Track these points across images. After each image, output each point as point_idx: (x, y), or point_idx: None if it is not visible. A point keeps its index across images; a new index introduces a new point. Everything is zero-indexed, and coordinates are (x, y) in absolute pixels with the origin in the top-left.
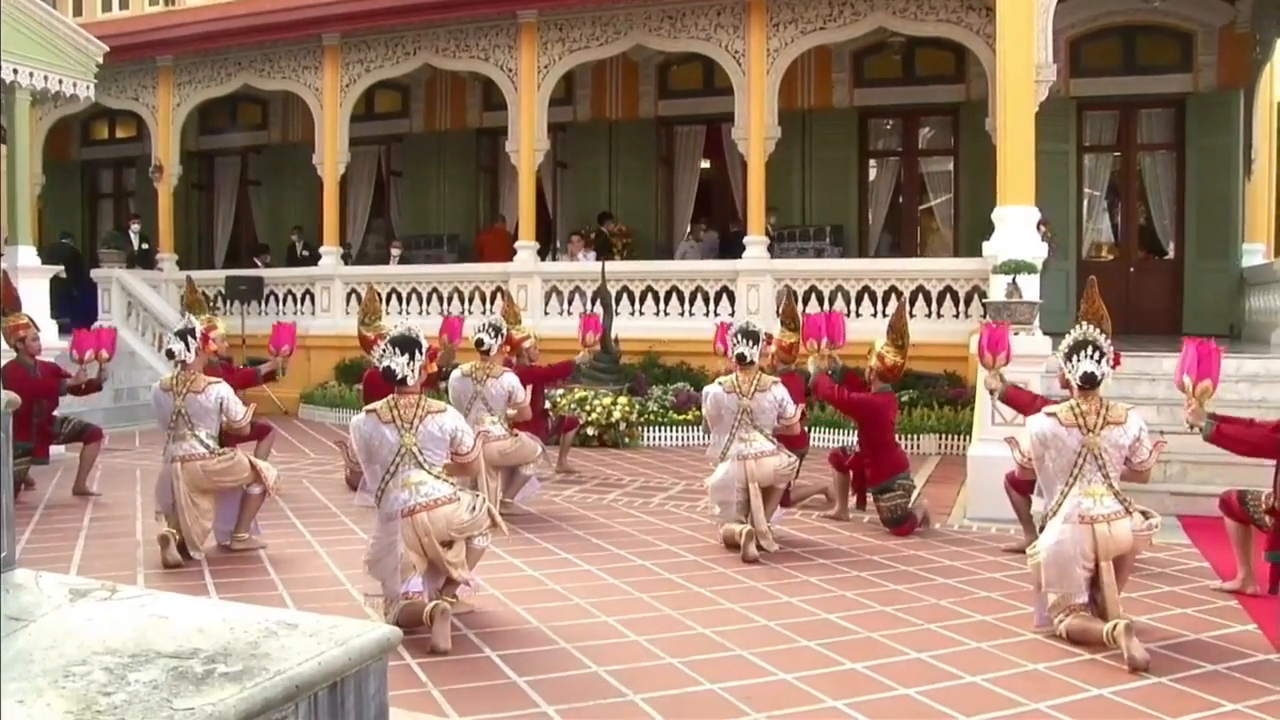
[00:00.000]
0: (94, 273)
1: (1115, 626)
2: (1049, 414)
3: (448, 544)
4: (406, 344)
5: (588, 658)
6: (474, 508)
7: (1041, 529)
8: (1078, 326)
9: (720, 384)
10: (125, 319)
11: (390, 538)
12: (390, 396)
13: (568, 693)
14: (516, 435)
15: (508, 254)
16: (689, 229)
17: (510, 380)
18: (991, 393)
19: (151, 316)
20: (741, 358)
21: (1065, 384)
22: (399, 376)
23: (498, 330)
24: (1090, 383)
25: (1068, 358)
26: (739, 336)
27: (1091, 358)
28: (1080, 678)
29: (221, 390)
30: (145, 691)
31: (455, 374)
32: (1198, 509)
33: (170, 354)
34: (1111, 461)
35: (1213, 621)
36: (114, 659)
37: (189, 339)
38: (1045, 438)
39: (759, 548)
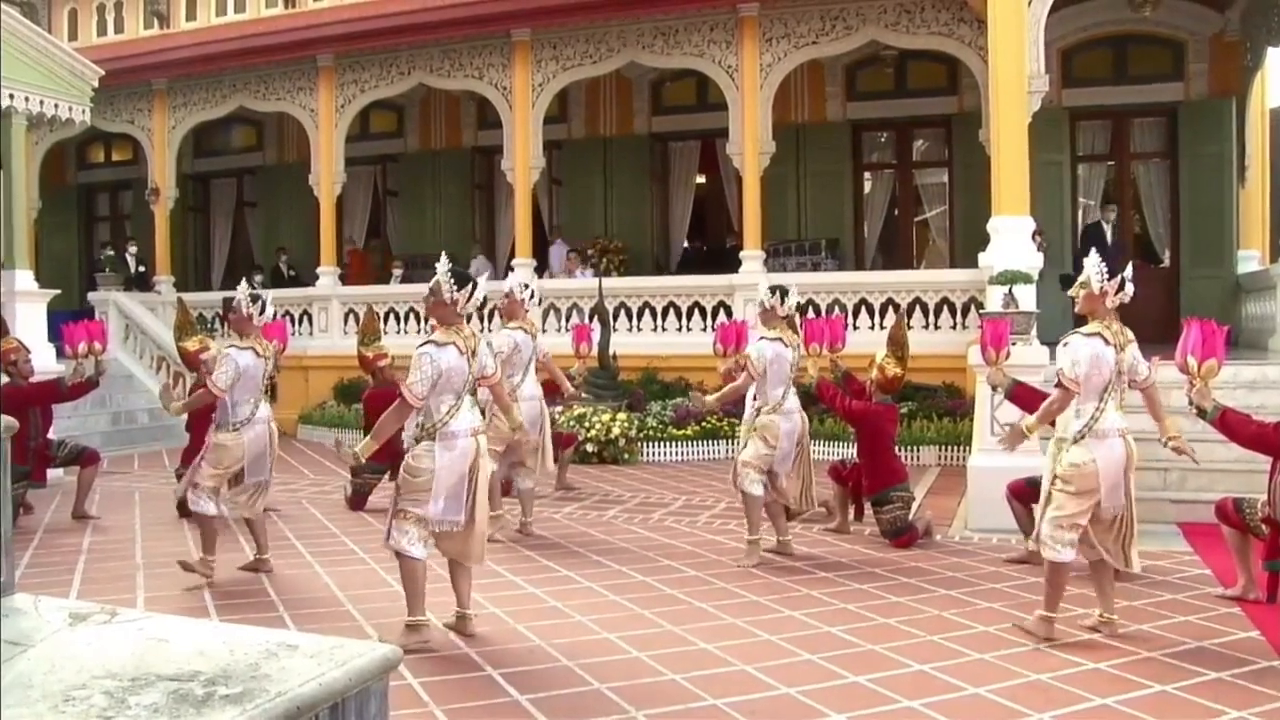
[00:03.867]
0: (91, 296)
1: (1112, 620)
2: (1091, 334)
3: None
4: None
5: (589, 674)
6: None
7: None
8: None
9: (772, 338)
10: (123, 342)
11: (447, 454)
12: (449, 329)
13: (570, 710)
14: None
15: (370, 278)
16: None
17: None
18: (994, 389)
19: (149, 339)
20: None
21: (1095, 301)
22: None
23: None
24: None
25: (1120, 288)
26: (776, 293)
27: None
28: (1084, 687)
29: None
30: (146, 715)
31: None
32: (1197, 516)
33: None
34: (1125, 379)
35: (1215, 629)
36: (114, 683)
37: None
38: (1097, 357)
39: (789, 517)
